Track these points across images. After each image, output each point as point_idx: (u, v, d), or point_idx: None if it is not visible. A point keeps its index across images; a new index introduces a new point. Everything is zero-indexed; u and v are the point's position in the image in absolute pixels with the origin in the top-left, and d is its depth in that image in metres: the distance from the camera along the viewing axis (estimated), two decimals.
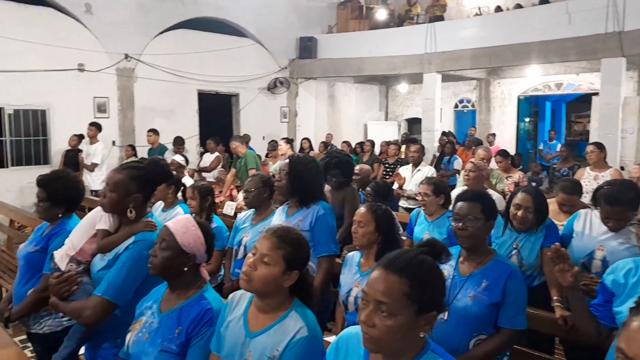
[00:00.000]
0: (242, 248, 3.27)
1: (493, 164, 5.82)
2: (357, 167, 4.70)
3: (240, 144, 6.74)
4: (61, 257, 2.22)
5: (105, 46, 9.12)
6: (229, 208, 6.15)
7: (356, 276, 2.57)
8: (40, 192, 2.75)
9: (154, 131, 8.41)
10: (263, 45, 11.77)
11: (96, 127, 8.04)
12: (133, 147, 8.74)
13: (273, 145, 9.66)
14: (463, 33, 10.11)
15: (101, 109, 9.20)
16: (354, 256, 2.70)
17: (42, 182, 2.82)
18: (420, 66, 10.72)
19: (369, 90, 14.85)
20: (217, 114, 11.29)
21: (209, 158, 8.79)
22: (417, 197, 3.69)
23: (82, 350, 2.88)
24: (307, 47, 12.27)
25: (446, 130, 11.68)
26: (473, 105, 13.92)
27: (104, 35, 9.06)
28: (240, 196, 6.63)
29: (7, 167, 8.15)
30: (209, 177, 7.99)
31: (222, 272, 3.60)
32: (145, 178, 2.21)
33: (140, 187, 2.19)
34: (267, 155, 9.08)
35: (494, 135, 11.20)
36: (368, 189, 4.14)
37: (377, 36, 11.66)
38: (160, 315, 1.86)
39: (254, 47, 11.59)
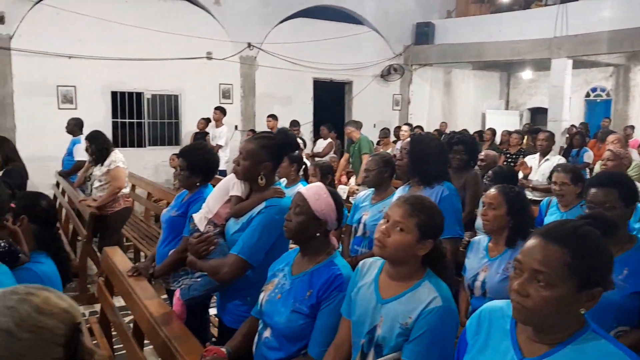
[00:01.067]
0: (361, 226, 3.29)
1: (635, 155, 5.22)
2: (482, 153, 4.46)
3: (355, 128, 6.78)
4: (200, 219, 2.40)
5: (230, 35, 9.67)
6: (341, 192, 6.22)
7: (484, 261, 2.47)
8: (182, 162, 3.00)
9: (273, 116, 8.77)
10: (379, 32, 11.70)
11: (221, 111, 8.59)
12: (254, 132, 9.20)
13: (385, 133, 9.60)
14: (600, 14, 9.18)
15: (226, 95, 9.80)
16: (481, 240, 2.59)
17: (184, 152, 3.07)
18: (548, 51, 9.95)
19: (489, 78, 14.12)
20: (330, 102, 11.47)
21: (322, 144, 8.98)
22: (552, 188, 3.41)
23: (213, 311, 3.11)
24: (423, 33, 11.97)
25: (576, 122, 10.73)
26: (608, 94, 12.62)
27: (229, 25, 9.61)
28: (352, 181, 6.70)
29: (145, 146, 9.03)
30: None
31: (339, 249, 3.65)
32: (275, 147, 2.30)
33: (270, 156, 2.29)
34: (378, 143, 9.05)
35: (632, 127, 10.08)
36: (490, 172, 3.90)
37: (500, 20, 11.04)
38: (291, 278, 1.94)
39: (369, 35, 11.57)
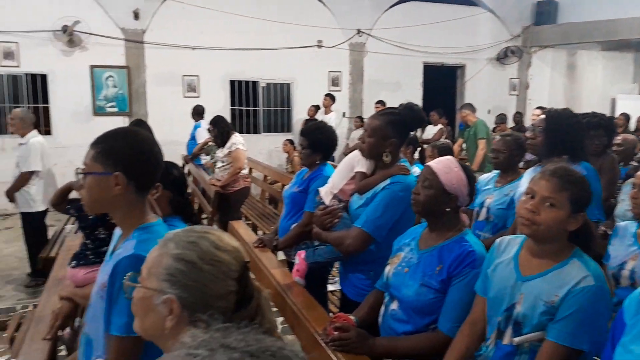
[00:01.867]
0: (484, 210, 3.15)
1: None
2: (619, 137, 4.04)
3: (470, 112, 6.50)
4: (326, 193, 2.45)
5: (340, 23, 9.74)
6: None
7: (632, 248, 2.24)
8: (303, 141, 3.08)
9: (381, 103, 8.71)
10: (494, 13, 11.07)
11: (331, 98, 8.71)
12: (361, 119, 9.23)
13: (501, 119, 9.10)
14: None
15: (335, 82, 9.91)
16: (627, 226, 2.36)
17: (305, 132, 3.16)
18: None
19: (620, 59, 12.76)
20: (440, 87, 11.11)
21: (431, 130, 8.75)
22: None
23: (331, 287, 3.17)
24: (545, 12, 11.11)
25: None
26: None
27: (339, 12, 9.68)
28: None
29: (260, 133, 9.46)
30: None
31: None
32: (401, 123, 2.27)
33: (396, 132, 2.25)
34: (493, 130, 8.59)
35: None
36: (634, 163, 3.51)
37: None
38: (419, 252, 1.90)
39: (484, 16, 11.00)
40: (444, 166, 1.90)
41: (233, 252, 1.02)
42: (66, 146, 7.70)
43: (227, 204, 5.38)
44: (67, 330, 2.11)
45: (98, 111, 8.35)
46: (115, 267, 1.32)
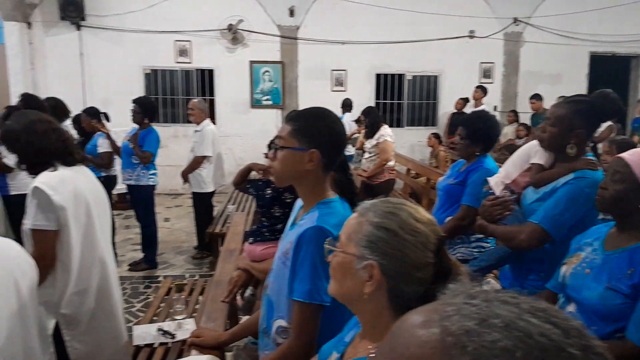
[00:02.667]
0: None
1: None
2: None
3: None
4: (496, 183, 2.33)
5: (495, 11, 9.21)
6: None
7: None
8: (462, 131, 2.98)
9: (537, 97, 8.08)
10: None
11: (482, 90, 8.30)
12: (515, 113, 8.66)
13: None
14: None
15: (486, 74, 9.43)
16: None
17: (464, 121, 3.05)
18: None
19: None
20: (609, 79, 9.91)
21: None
22: None
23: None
24: None
25: None
26: None
27: (495, 1, 9.15)
28: None
29: (403, 126, 9.39)
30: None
31: None
32: (591, 113, 2.05)
33: (584, 123, 2.04)
34: None
35: None
36: None
37: None
38: (604, 253, 1.72)
39: None
40: None
41: (429, 225, 1.02)
42: (227, 135, 8.44)
43: (372, 195, 5.42)
44: (244, 295, 2.32)
45: (255, 104, 9.01)
46: (300, 236, 1.41)
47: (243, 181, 2.61)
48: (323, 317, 1.41)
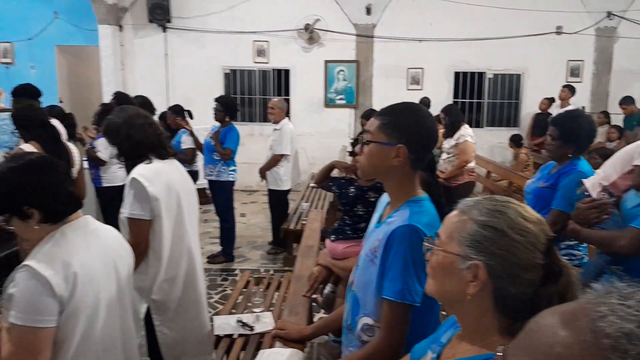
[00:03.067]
0: None
1: None
2: None
3: None
4: (593, 185, 2.17)
5: (586, 5, 8.63)
6: None
7: None
8: (553, 131, 2.81)
9: (628, 99, 7.53)
10: None
11: (570, 89, 7.83)
12: (607, 114, 8.09)
13: None
14: None
15: (574, 72, 8.86)
16: None
17: (556, 121, 2.88)
18: None
19: None
20: None
21: None
22: None
23: None
24: None
25: None
26: None
27: None
28: None
29: (483, 127, 9.04)
30: None
31: None
32: None
33: None
34: None
35: None
36: None
37: None
38: None
39: None
40: None
41: (538, 224, 0.97)
42: (300, 134, 8.52)
43: (449, 198, 5.26)
44: (323, 292, 2.32)
45: (329, 103, 9.05)
46: (391, 234, 1.38)
47: (326, 179, 2.62)
48: (412, 316, 1.37)
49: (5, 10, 9.48)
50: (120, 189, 4.90)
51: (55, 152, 3.05)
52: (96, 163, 4.67)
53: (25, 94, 3.91)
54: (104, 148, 4.61)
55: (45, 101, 4.39)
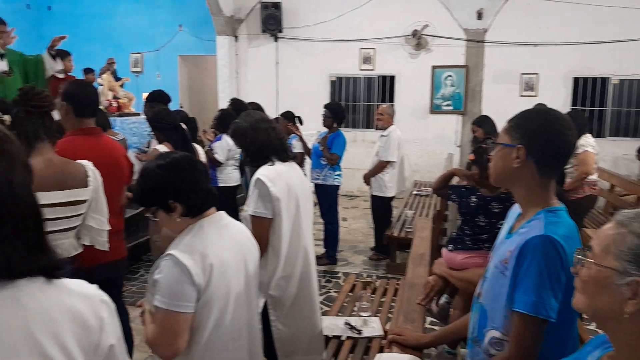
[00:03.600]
0: None
1: None
2: None
3: None
4: None
5: None
6: None
7: None
8: None
9: None
10: None
11: None
12: None
13: None
14: None
15: None
16: None
17: None
18: None
19: None
20: None
21: None
22: None
23: None
24: None
25: None
26: None
27: None
28: None
29: (605, 137, 8.30)
30: None
31: None
32: None
33: None
34: None
35: None
36: None
37: None
38: None
39: None
40: None
41: None
42: (404, 141, 8.44)
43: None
44: (439, 302, 2.28)
45: (434, 109, 8.87)
46: (524, 245, 1.32)
47: (444, 186, 2.57)
48: (547, 333, 1.30)
49: (136, 25, 10.53)
50: (234, 190, 5.24)
51: (186, 152, 3.31)
52: (213, 164, 5.00)
53: (158, 100, 4.31)
54: (220, 150, 4.92)
55: (169, 107, 4.80)
